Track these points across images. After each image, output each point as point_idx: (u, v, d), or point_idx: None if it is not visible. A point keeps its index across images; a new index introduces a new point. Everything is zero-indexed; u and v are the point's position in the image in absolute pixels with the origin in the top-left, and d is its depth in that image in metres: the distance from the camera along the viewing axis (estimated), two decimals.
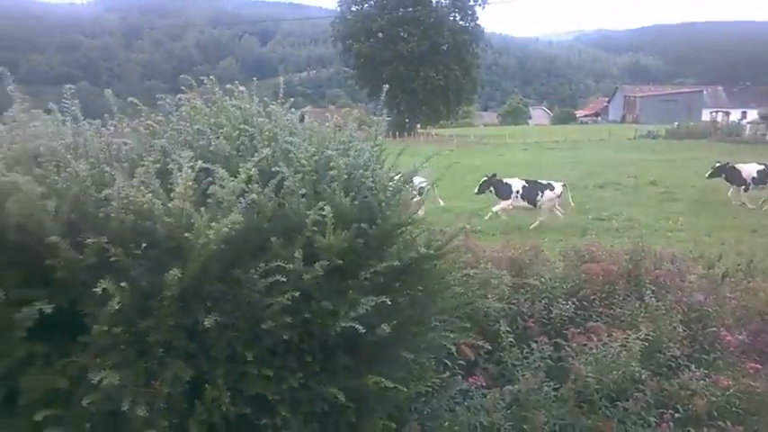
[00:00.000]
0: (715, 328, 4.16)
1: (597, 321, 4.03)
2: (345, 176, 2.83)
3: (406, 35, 54.21)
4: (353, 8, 57.53)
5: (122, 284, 2.22)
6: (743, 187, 15.72)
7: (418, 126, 54.32)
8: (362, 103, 56.98)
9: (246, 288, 2.50)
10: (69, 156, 2.38)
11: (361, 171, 2.99)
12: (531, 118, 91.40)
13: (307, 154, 2.82)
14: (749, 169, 15.84)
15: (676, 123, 49.33)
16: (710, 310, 4.26)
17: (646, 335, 3.59)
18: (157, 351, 2.39)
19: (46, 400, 2.29)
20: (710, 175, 16.60)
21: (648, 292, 4.21)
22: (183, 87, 3.50)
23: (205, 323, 2.32)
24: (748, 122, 50.42)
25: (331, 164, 2.81)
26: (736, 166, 16.09)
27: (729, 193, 15.82)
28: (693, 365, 3.85)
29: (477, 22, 57.49)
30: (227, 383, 2.54)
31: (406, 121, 50.51)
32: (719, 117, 53.39)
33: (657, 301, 4.08)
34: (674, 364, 3.93)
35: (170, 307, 2.36)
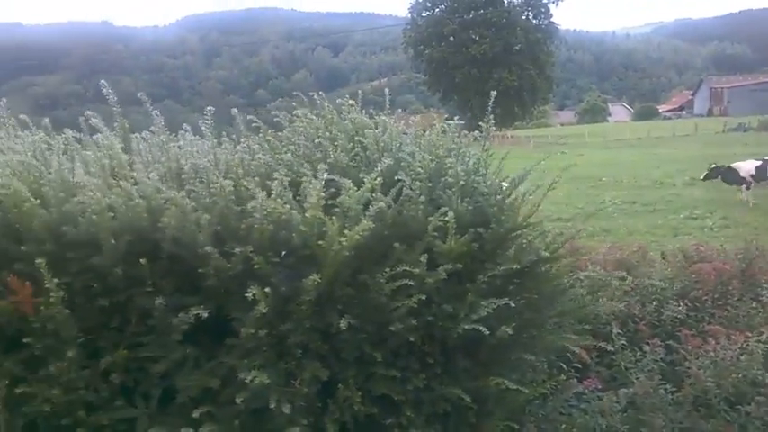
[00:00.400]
0: None
1: (710, 323, 3.93)
2: (462, 183, 2.92)
3: (477, 37, 53.82)
4: (424, 14, 57.72)
5: (266, 290, 2.40)
6: (744, 186, 14.95)
7: (493, 128, 53.49)
8: (434, 108, 56.93)
9: (374, 292, 2.64)
10: (217, 172, 2.60)
11: (473, 177, 3.09)
12: (610, 115, 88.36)
13: (423, 162, 2.94)
14: (747, 167, 15.06)
15: None
16: None
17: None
18: (296, 352, 2.56)
19: (197, 399, 2.50)
20: (706, 177, 15.68)
21: (765, 292, 4.06)
22: (294, 104, 3.71)
23: (340, 325, 2.47)
24: None
25: (449, 171, 2.91)
26: (732, 165, 15.30)
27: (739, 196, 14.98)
28: None
29: (551, 19, 56.38)
30: (356, 384, 2.69)
31: (480, 124, 49.69)
32: None
33: None
34: None
35: (307, 311, 2.53)
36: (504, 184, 3.09)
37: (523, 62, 53.33)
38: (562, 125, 73.54)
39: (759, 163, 15.31)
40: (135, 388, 2.57)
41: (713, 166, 15.84)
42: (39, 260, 2.21)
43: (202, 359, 2.57)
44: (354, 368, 2.69)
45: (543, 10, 56.33)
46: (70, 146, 2.79)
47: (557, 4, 56.22)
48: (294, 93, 3.83)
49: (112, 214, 2.42)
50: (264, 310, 2.35)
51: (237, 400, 2.34)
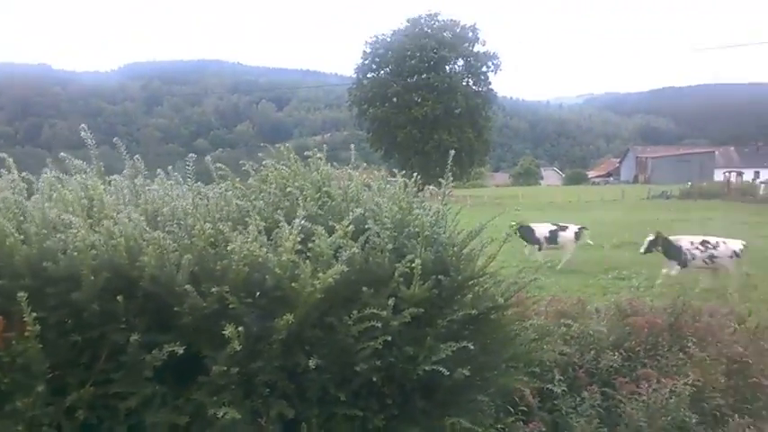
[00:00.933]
0: (756, 379, 4.35)
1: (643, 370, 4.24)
2: (427, 233, 3.15)
3: (420, 100, 55.65)
4: (369, 75, 59.41)
5: (239, 329, 2.52)
6: (537, 246, 16.36)
7: (432, 186, 54.76)
8: (375, 165, 57.95)
9: (341, 333, 2.80)
10: (198, 215, 2.74)
11: (434, 228, 3.33)
12: (542, 178, 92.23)
13: (390, 213, 3.16)
14: (542, 229, 16.60)
15: (689, 183, 49.63)
16: (750, 362, 4.46)
17: (694, 380, 3.80)
18: (263, 391, 2.67)
19: None
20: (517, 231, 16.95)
21: (690, 344, 4.43)
22: (260, 155, 3.90)
23: (309, 364, 2.61)
24: (762, 182, 50.68)
25: (416, 221, 3.14)
26: (530, 225, 16.69)
27: (526, 251, 16.39)
28: (737, 415, 4.02)
29: (490, 86, 59.04)
30: (317, 424, 2.80)
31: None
32: (733, 177, 53.60)
33: (701, 352, 4.30)
34: (718, 414, 4.11)
35: (277, 350, 2.65)
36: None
37: (463, 125, 55.28)
38: (497, 186, 76.04)
39: (553, 227, 16.73)
40: (99, 426, 2.59)
41: (517, 224, 16.88)
42: (20, 294, 2.26)
43: (169, 396, 2.63)
44: (317, 408, 2.81)
45: (483, 77, 58.93)
46: (51, 185, 2.86)
47: (495, 73, 58.94)
48: (266, 144, 4.02)
49: (94, 252, 2.51)
50: (238, 348, 2.46)
51: None
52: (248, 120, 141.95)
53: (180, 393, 2.65)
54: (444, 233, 3.24)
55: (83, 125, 3.04)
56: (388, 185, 3.77)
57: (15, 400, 2.42)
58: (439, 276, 3.03)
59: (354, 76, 60.27)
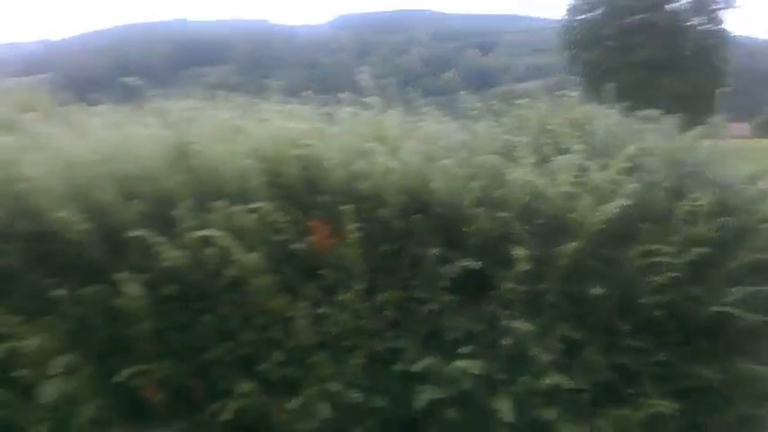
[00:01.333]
0: None
1: None
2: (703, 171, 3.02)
3: (639, 41, 51.13)
4: (581, 16, 55.88)
5: (526, 252, 2.67)
6: None
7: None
8: None
9: (622, 266, 2.81)
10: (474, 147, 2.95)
11: (710, 167, 3.17)
12: None
13: (664, 151, 3.08)
14: None
15: None
16: None
17: None
18: (549, 311, 2.79)
19: (460, 340, 2.79)
20: None
21: None
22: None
23: (594, 292, 2.68)
24: None
25: (691, 160, 3.03)
26: None
27: None
28: None
29: (722, 25, 52.12)
30: (599, 350, 2.86)
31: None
32: None
33: None
34: None
35: (559, 275, 2.76)
36: None
37: (694, 69, 49.75)
38: (736, 138, 67.48)
39: None
40: (403, 325, 2.88)
41: None
42: (346, 207, 2.65)
43: (462, 306, 2.85)
44: (602, 335, 2.84)
45: (713, 15, 52.21)
46: (346, 118, 3.26)
47: (727, 9, 51.73)
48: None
49: (393, 176, 2.82)
50: (528, 267, 2.62)
51: (503, 343, 2.64)
52: (453, 68, 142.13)
53: (473, 304, 2.86)
54: (721, 173, 3.07)
55: (362, 68, 3.36)
56: (653, 125, 3.67)
57: (339, 294, 2.81)
58: (722, 218, 2.89)
59: (566, 17, 57.11)
